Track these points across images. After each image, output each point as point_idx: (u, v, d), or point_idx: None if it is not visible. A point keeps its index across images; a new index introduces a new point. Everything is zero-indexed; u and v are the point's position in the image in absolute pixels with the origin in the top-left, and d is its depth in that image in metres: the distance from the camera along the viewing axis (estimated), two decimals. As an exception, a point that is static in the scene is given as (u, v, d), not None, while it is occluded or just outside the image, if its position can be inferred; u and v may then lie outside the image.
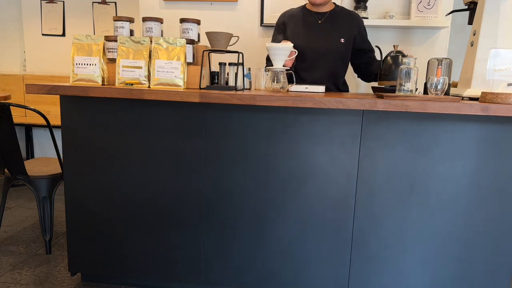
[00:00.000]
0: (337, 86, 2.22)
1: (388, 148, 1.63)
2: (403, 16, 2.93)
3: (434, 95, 1.61)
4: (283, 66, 1.82)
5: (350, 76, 2.90)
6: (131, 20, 1.89)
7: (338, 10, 2.17)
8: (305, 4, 2.21)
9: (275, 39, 2.24)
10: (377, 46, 2.04)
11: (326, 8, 2.16)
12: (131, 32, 1.89)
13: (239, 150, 1.70)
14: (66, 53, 3.77)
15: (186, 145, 1.72)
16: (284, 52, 1.81)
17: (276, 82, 1.85)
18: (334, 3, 2.20)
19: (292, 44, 1.85)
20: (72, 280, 1.99)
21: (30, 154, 3.95)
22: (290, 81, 1.94)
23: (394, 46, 2.03)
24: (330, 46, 2.10)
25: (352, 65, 2.32)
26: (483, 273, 1.67)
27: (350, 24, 2.14)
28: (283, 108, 1.65)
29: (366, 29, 2.91)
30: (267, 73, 1.89)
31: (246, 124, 1.68)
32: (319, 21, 2.15)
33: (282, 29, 2.23)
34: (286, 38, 2.20)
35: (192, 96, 1.56)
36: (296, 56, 1.99)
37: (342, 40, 2.11)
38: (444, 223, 1.65)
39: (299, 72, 2.23)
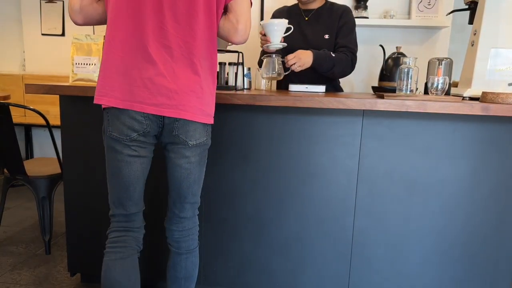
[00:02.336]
0: (333, 83, 2.20)
1: (389, 148, 1.63)
2: (403, 15, 2.93)
3: (434, 95, 1.60)
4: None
5: (349, 75, 2.90)
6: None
7: (327, 6, 2.13)
8: (298, 3, 2.20)
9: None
10: (381, 45, 2.03)
11: (315, 5, 2.13)
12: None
13: (238, 150, 1.70)
14: (65, 53, 3.76)
15: (186, 145, 1.72)
16: (280, 28, 1.77)
17: (272, 70, 1.84)
18: (325, 0, 2.16)
19: (287, 20, 1.82)
20: (72, 281, 1.98)
21: (30, 154, 3.94)
22: (286, 69, 1.93)
23: (397, 47, 2.03)
24: (314, 43, 2.05)
25: None
26: (484, 273, 1.67)
27: (334, 19, 2.09)
28: (283, 108, 1.65)
29: (366, 28, 2.92)
30: (262, 64, 1.87)
31: (246, 123, 1.68)
32: (306, 18, 2.14)
33: None
34: None
35: (192, 96, 1.56)
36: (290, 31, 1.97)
37: (326, 36, 2.07)
38: (444, 223, 1.65)
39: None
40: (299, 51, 1.93)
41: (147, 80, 1.21)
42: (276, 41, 1.78)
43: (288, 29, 1.83)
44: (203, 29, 1.25)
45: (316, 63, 1.94)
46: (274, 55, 1.85)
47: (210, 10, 1.26)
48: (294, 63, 1.88)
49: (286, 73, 1.91)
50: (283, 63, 1.89)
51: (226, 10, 1.33)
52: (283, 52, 1.93)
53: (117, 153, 1.27)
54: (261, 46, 1.92)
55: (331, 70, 1.99)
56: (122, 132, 1.25)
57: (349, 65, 2.05)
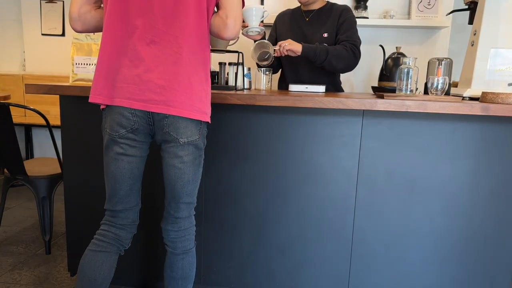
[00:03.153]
0: (332, 82, 2.20)
1: (388, 148, 1.63)
2: (403, 15, 2.93)
3: (434, 95, 1.60)
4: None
5: (349, 75, 2.90)
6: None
7: (328, 6, 2.16)
8: (300, 5, 2.23)
9: (270, 36, 2.32)
10: (381, 45, 2.03)
11: (316, 6, 2.16)
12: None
13: (239, 150, 1.70)
14: (65, 53, 3.76)
15: (186, 145, 1.72)
16: (257, 13, 1.79)
17: (264, 52, 1.85)
18: (327, 1, 2.19)
19: (263, 6, 1.84)
20: (72, 281, 1.98)
21: (30, 154, 3.95)
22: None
23: (396, 47, 2.03)
24: (313, 42, 2.07)
25: None
26: (484, 273, 1.67)
27: (333, 17, 2.11)
28: (283, 108, 1.65)
29: (366, 29, 2.92)
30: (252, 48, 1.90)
31: (246, 124, 1.68)
32: (307, 19, 2.16)
33: (274, 30, 2.29)
34: (276, 37, 2.26)
35: (192, 96, 1.56)
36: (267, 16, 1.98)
37: (325, 35, 2.09)
38: (444, 223, 1.65)
39: (289, 70, 2.23)
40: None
41: (136, 77, 1.24)
42: (255, 25, 1.79)
43: (264, 14, 1.86)
44: (193, 24, 1.26)
45: (306, 51, 1.95)
46: (255, 29, 1.86)
47: (200, 6, 1.27)
48: (284, 43, 1.92)
49: (274, 50, 1.94)
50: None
51: (218, 8, 1.35)
52: (286, 61, 1.95)
53: (108, 150, 1.32)
54: (242, 33, 1.94)
55: (326, 60, 1.99)
56: (112, 128, 1.29)
57: (351, 57, 2.03)
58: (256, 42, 1.89)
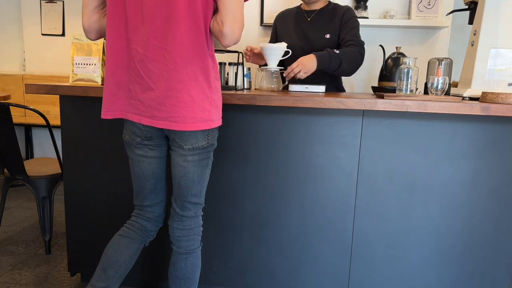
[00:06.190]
0: (335, 82, 2.20)
1: (388, 148, 1.63)
2: (403, 15, 2.93)
3: (434, 95, 1.60)
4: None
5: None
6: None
7: (330, 7, 2.15)
8: (301, 4, 2.22)
9: (270, 39, 2.31)
10: (381, 45, 2.03)
11: (318, 6, 2.14)
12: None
13: (238, 150, 1.70)
14: (65, 53, 3.76)
15: (186, 145, 1.72)
16: (277, 52, 1.81)
17: (271, 83, 1.88)
18: (328, 1, 2.18)
19: (286, 44, 1.85)
20: (72, 281, 1.98)
21: (30, 154, 3.95)
22: (283, 81, 1.96)
23: (396, 47, 2.03)
24: (316, 43, 2.07)
25: None
26: (484, 273, 1.67)
27: (336, 18, 2.10)
28: (283, 108, 1.65)
29: (366, 29, 2.92)
30: (261, 73, 1.90)
31: (246, 124, 1.68)
32: (308, 19, 2.15)
33: (274, 31, 2.27)
34: (276, 39, 2.25)
35: (192, 96, 1.56)
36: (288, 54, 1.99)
37: (328, 36, 2.08)
38: (444, 223, 1.65)
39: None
40: (302, 57, 1.89)
41: (140, 94, 1.28)
42: (273, 65, 1.84)
43: (286, 53, 1.87)
44: (186, 37, 1.22)
45: (321, 65, 1.91)
46: (273, 69, 1.87)
47: (194, 14, 1.22)
48: (299, 71, 1.87)
49: (284, 84, 1.95)
50: (281, 75, 1.92)
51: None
52: (289, 58, 1.95)
53: (130, 153, 1.42)
54: (247, 60, 1.98)
55: (340, 68, 1.95)
56: (130, 137, 1.38)
57: (359, 57, 2.00)
58: (264, 73, 1.90)
